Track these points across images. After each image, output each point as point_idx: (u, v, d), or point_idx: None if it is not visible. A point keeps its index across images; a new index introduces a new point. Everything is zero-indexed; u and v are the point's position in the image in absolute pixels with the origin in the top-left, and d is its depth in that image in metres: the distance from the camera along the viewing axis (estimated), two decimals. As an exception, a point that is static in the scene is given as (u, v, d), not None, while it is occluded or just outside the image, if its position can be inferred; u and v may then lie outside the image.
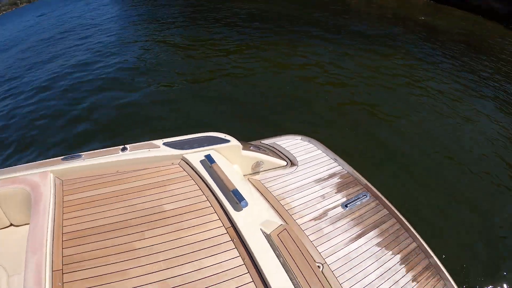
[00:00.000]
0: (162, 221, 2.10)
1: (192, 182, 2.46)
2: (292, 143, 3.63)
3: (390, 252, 2.67)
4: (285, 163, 3.30)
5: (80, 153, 2.54)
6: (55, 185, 2.27)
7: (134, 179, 2.40)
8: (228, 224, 2.17)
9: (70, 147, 5.33)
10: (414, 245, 2.78)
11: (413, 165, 5.21)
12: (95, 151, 2.62)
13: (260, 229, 2.22)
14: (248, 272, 1.93)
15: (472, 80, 8.42)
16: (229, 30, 10.50)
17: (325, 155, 3.49)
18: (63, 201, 2.18)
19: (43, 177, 2.29)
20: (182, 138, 2.88)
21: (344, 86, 7.58)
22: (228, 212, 2.23)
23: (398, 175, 4.92)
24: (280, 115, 6.13)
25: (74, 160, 2.47)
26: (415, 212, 4.27)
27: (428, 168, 5.22)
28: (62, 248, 1.89)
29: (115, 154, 2.57)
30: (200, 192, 2.37)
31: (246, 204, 2.24)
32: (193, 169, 2.60)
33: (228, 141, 2.95)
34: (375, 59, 8.95)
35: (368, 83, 7.67)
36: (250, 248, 2.03)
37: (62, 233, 1.97)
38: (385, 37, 10.69)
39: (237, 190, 2.31)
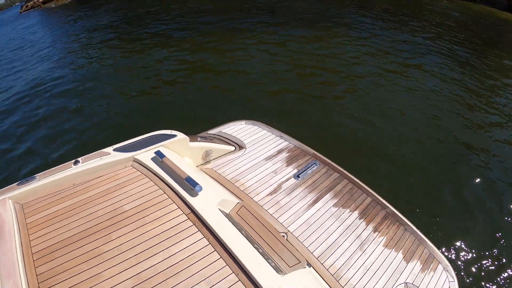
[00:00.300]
0: (125, 221, 2.20)
1: (147, 179, 2.57)
2: (237, 129, 3.81)
3: (348, 210, 2.94)
4: (233, 148, 3.48)
5: (34, 175, 2.56)
6: (15, 210, 2.29)
7: (91, 188, 2.47)
8: (188, 211, 2.32)
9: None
10: (369, 199, 3.08)
11: (353, 135, 5.72)
12: (49, 170, 2.64)
13: (219, 209, 2.39)
14: (215, 250, 2.09)
15: (404, 47, 9.15)
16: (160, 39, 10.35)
17: (271, 133, 3.71)
18: (26, 223, 2.21)
19: (2, 204, 2.29)
20: (131, 141, 2.96)
21: (276, 72, 7.91)
22: (185, 199, 2.38)
23: (339, 144, 5.39)
24: (222, 106, 6.34)
25: (29, 182, 2.48)
26: (365, 172, 4.73)
27: (367, 133, 5.77)
28: (35, 267, 1.94)
29: (69, 169, 2.60)
30: (156, 187, 2.49)
31: (201, 188, 2.40)
32: (145, 168, 2.70)
33: (174, 135, 3.07)
34: (307, 41, 9.40)
35: (302, 65, 8.08)
36: (212, 228, 2.19)
37: (32, 253, 2.02)
38: (316, 16, 11.17)
39: (189, 177, 2.46)
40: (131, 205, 2.32)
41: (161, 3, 12.77)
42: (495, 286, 3.72)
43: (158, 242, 2.10)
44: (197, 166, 3.24)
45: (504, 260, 3.95)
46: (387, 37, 9.76)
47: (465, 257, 3.96)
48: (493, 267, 3.88)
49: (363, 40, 9.51)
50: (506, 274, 3.82)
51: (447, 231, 4.18)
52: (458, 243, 4.06)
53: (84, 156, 2.74)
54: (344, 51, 8.78)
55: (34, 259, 1.99)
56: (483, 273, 3.83)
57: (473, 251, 4.02)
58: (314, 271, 2.44)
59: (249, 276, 1.98)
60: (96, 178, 2.57)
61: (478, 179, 5.05)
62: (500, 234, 4.26)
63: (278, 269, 2.09)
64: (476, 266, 3.88)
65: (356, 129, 5.86)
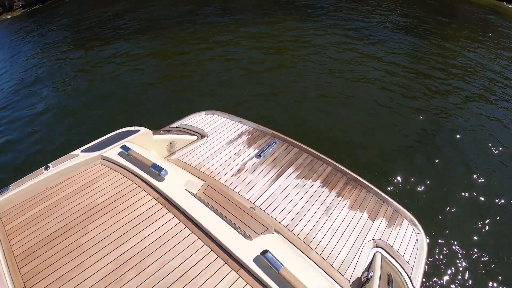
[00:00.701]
0: (99, 213, 2.39)
1: (116, 173, 2.75)
2: (198, 119, 4.02)
3: (310, 180, 3.16)
4: (195, 137, 3.69)
5: (7, 186, 2.69)
6: None
7: (64, 189, 2.63)
8: (157, 195, 2.52)
9: None
10: (329, 168, 3.31)
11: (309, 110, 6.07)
12: (21, 179, 2.77)
13: (186, 189, 2.60)
14: (186, 226, 2.28)
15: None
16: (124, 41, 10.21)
17: (230, 120, 3.94)
18: (5, 230, 2.36)
19: None
20: (98, 141, 3.12)
21: (234, 60, 8.14)
22: (153, 185, 2.58)
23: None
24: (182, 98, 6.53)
25: (3, 193, 2.61)
26: (324, 142, 5.12)
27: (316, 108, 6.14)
28: (19, 269, 2.09)
29: (40, 175, 2.74)
30: (125, 179, 2.68)
31: (166, 172, 2.59)
32: (114, 163, 2.88)
33: (138, 130, 3.25)
34: (259, 28, 9.64)
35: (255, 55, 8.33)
36: (181, 207, 2.39)
37: (14, 257, 2.18)
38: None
39: (155, 164, 2.65)
40: (103, 198, 2.51)
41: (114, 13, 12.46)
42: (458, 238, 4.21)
43: (132, 227, 2.29)
44: (164, 158, 3.43)
45: (454, 209, 4.47)
46: (342, 19, 10.13)
47: (427, 208, 4.44)
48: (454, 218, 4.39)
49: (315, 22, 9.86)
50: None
51: (409, 190, 4.66)
52: (418, 199, 4.55)
53: (54, 161, 2.89)
54: (298, 35, 9.08)
55: (17, 261, 2.15)
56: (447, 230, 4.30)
57: (431, 202, 4.52)
58: (283, 237, 2.64)
59: (220, 245, 2.18)
60: (67, 180, 2.72)
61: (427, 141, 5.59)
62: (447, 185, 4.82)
63: (246, 236, 2.27)
64: (440, 218, 4.37)
65: (313, 104, 6.25)
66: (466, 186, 4.80)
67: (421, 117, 6.12)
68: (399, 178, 4.75)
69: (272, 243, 2.32)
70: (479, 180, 4.90)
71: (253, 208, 2.87)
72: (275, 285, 2.00)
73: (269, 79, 7.19)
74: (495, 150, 5.48)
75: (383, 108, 6.32)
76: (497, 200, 4.64)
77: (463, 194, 4.68)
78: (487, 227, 4.33)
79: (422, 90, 6.92)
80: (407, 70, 7.53)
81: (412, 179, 4.78)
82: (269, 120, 5.44)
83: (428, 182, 4.77)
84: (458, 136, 5.71)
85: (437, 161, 5.18)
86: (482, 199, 4.63)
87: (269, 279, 2.02)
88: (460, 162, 5.20)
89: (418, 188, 4.69)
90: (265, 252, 2.08)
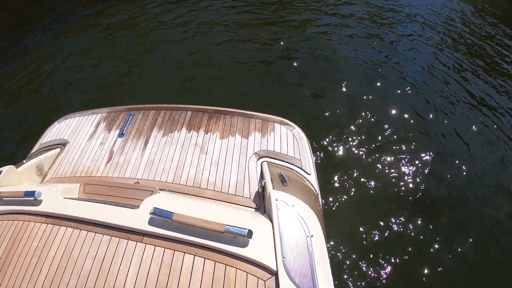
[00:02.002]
0: (3, 269, 2.30)
1: (2, 220, 2.56)
2: (54, 131, 3.81)
3: (176, 131, 3.32)
4: (58, 149, 3.56)
5: None
6: None
7: None
8: (43, 218, 2.44)
9: None
10: (189, 113, 3.50)
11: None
12: None
13: (64, 198, 2.56)
14: (80, 229, 2.30)
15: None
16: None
17: (82, 116, 3.83)
18: None
19: None
20: None
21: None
22: (35, 211, 2.48)
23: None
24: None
25: None
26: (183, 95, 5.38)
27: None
28: None
29: None
30: (10, 222, 2.53)
31: (40, 193, 2.50)
32: None
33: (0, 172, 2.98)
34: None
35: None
36: (67, 215, 2.37)
37: None
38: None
39: (26, 191, 2.52)
40: (1, 251, 2.38)
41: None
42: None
43: (37, 259, 2.25)
44: (39, 184, 3.27)
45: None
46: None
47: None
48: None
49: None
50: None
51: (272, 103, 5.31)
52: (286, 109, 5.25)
53: None
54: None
55: None
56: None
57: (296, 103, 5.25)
58: (172, 192, 2.80)
59: (116, 227, 2.27)
60: None
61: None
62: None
63: (135, 207, 2.37)
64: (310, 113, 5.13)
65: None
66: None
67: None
68: (258, 96, 5.40)
69: (158, 200, 2.44)
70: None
71: (137, 182, 2.97)
72: (177, 234, 2.13)
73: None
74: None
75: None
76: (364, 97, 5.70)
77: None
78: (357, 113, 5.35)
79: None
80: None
81: (270, 92, 5.48)
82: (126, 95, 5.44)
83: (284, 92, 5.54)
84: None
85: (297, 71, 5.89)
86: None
87: (169, 231, 2.14)
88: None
89: (278, 100, 5.43)
90: (153, 210, 2.20)
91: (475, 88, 6.22)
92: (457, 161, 4.91)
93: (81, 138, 3.59)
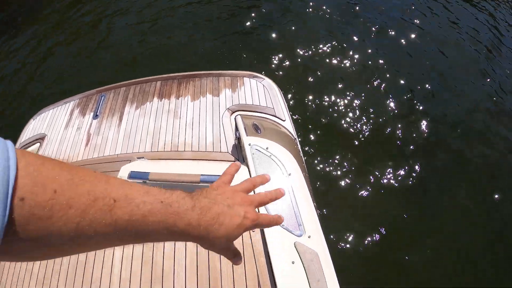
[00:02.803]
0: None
1: None
2: (30, 129, 3.81)
3: (148, 103, 3.32)
4: (37, 144, 3.57)
5: None
6: None
7: None
8: None
9: None
10: (159, 83, 3.46)
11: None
12: None
13: None
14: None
15: None
16: None
17: (56, 107, 3.83)
18: None
19: None
20: None
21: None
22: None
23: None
24: None
25: None
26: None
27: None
28: None
29: None
30: None
31: None
32: None
33: None
34: None
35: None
36: None
37: None
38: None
39: None
40: None
41: None
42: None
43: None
44: None
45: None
46: None
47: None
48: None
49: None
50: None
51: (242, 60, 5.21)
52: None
53: None
54: None
55: None
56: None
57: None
58: (148, 160, 2.83)
59: None
60: None
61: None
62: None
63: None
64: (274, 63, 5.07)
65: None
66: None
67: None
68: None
69: (135, 166, 2.51)
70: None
71: (116, 157, 3.01)
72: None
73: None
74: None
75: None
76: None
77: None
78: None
79: None
80: None
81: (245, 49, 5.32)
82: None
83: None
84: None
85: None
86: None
87: None
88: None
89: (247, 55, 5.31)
90: (129, 174, 2.25)
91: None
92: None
93: (57, 128, 3.60)
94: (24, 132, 3.88)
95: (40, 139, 3.63)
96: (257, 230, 2.09)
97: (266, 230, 1.98)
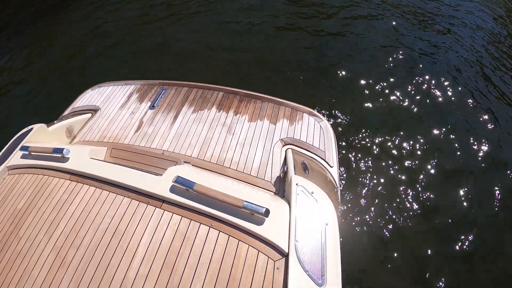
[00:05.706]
0: (24, 216, 2.40)
1: (26, 175, 2.69)
2: (86, 97, 3.97)
3: (206, 110, 3.38)
4: (89, 114, 3.69)
5: None
6: None
7: None
8: (68, 175, 2.54)
9: None
10: (221, 94, 3.55)
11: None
12: None
13: (91, 158, 2.66)
14: (102, 189, 2.38)
15: None
16: None
17: (116, 86, 3.96)
18: None
19: None
20: None
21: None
22: (61, 167, 2.59)
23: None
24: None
25: None
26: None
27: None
28: None
29: None
30: (35, 176, 2.64)
31: (68, 151, 2.59)
32: (21, 167, 2.79)
33: (31, 129, 3.11)
34: None
35: None
36: (91, 174, 2.46)
37: None
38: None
39: (55, 148, 2.62)
40: (22, 202, 2.49)
41: None
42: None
43: (57, 213, 2.33)
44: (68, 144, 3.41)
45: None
46: None
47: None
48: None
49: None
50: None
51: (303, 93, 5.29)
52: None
53: None
54: None
55: None
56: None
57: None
58: (196, 167, 2.85)
59: (137, 191, 2.32)
60: None
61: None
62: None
63: (157, 174, 2.43)
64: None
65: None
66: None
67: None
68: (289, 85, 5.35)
69: (182, 170, 2.48)
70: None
71: (162, 152, 3.06)
72: (195, 204, 2.17)
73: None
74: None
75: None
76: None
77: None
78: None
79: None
80: None
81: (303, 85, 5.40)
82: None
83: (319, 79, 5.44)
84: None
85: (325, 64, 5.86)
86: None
87: (188, 200, 2.19)
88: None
89: (311, 91, 5.33)
90: (176, 178, 2.24)
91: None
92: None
93: (112, 106, 3.71)
94: (80, 99, 4.04)
95: (93, 110, 3.77)
96: (281, 270, 2.04)
97: (290, 272, 1.94)
